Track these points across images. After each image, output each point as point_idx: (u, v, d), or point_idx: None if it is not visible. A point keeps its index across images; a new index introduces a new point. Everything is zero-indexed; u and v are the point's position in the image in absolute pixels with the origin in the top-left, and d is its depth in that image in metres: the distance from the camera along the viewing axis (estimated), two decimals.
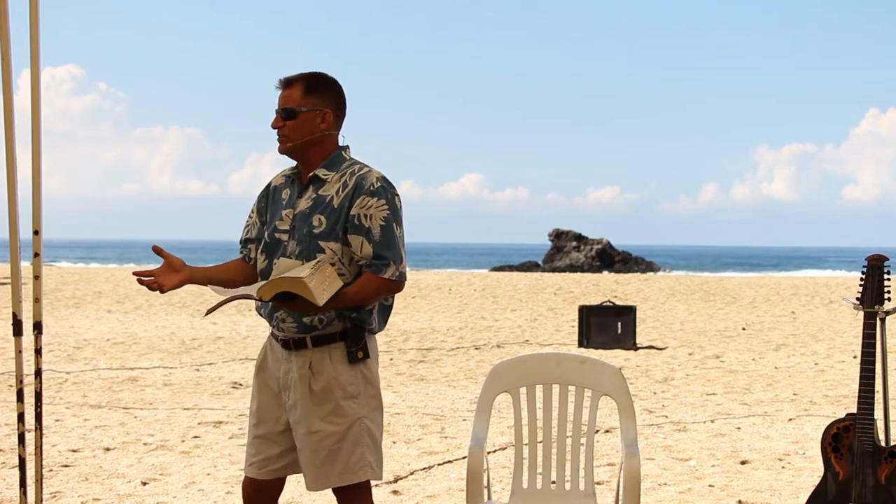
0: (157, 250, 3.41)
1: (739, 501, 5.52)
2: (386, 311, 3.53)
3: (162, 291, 3.36)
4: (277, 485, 3.56)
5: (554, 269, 43.35)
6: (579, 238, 48.02)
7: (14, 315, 4.04)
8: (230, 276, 3.56)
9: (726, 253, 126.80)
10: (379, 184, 3.38)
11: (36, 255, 4.06)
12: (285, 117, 3.41)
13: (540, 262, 47.83)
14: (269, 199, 3.56)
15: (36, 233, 4.06)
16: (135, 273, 3.41)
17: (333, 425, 3.39)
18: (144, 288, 24.15)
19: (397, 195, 3.43)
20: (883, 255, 4.17)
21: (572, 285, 25.14)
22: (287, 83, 3.45)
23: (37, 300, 4.09)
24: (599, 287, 24.41)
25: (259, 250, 3.53)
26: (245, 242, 3.60)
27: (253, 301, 3.39)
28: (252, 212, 3.60)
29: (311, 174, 3.45)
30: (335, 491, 3.50)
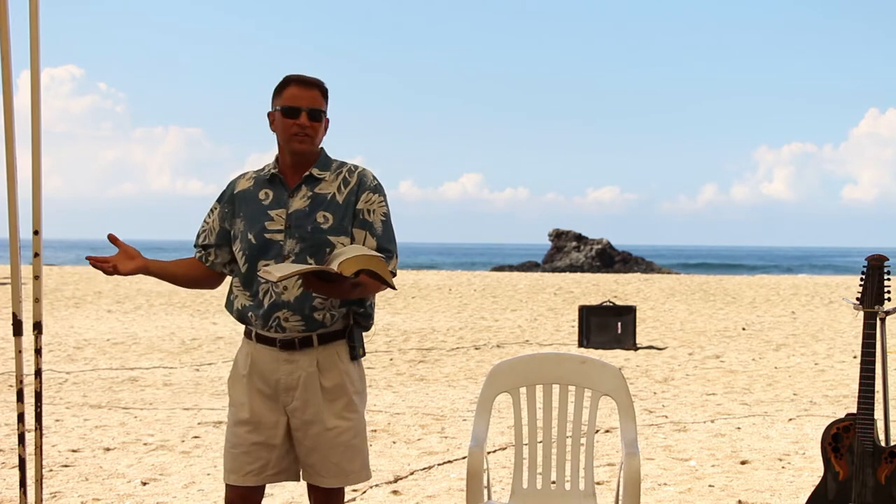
0: (113, 239, 3.47)
1: (739, 501, 5.52)
2: (373, 309, 3.61)
3: (119, 274, 3.43)
4: (262, 492, 3.54)
5: (554, 269, 43.34)
6: (579, 238, 47.99)
7: (14, 315, 4.04)
8: (183, 272, 3.63)
9: (726, 253, 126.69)
10: (376, 181, 3.52)
11: (36, 255, 4.06)
12: (313, 118, 3.43)
13: (540, 262, 47.82)
14: (235, 205, 3.52)
15: (36, 233, 4.06)
16: (88, 258, 3.44)
17: (347, 421, 3.44)
18: (144, 288, 24.08)
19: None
20: (883, 255, 4.17)
21: (572, 285, 25.14)
22: (313, 84, 3.46)
23: (37, 300, 4.09)
24: (599, 287, 24.41)
25: (240, 253, 3.48)
26: (203, 247, 3.59)
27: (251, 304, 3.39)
28: (209, 218, 3.58)
29: (305, 174, 3.47)
30: (322, 491, 3.49)
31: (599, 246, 46.99)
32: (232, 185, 3.57)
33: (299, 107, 3.41)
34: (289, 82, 3.46)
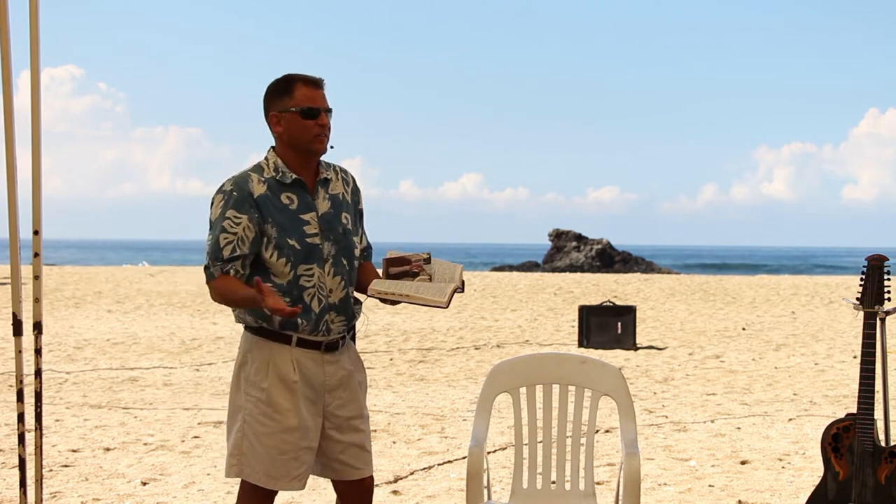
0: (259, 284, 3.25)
1: (739, 501, 5.52)
2: None
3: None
4: None
5: (554, 269, 43.32)
6: (579, 238, 47.97)
7: (14, 315, 4.04)
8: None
9: (726, 253, 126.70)
10: None
11: (36, 255, 4.06)
12: (329, 117, 3.45)
13: (540, 262, 47.80)
14: (261, 210, 3.36)
15: (36, 233, 4.06)
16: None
17: (367, 410, 3.65)
18: (144, 288, 24.07)
19: None
20: (883, 255, 4.17)
21: (572, 285, 25.13)
22: (321, 83, 3.45)
23: (37, 300, 4.09)
24: (599, 287, 24.41)
25: (282, 260, 3.37)
26: (231, 259, 3.36)
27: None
28: (233, 228, 3.34)
29: (321, 176, 3.48)
30: (357, 483, 3.59)
31: (599, 246, 46.98)
32: (243, 189, 3.37)
33: (319, 107, 3.40)
34: (295, 82, 3.41)
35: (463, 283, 3.44)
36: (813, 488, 4.20)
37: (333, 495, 5.47)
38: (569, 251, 47.26)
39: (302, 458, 3.44)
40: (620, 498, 3.89)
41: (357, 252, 3.55)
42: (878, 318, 4.13)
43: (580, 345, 13.13)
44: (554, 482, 4.13)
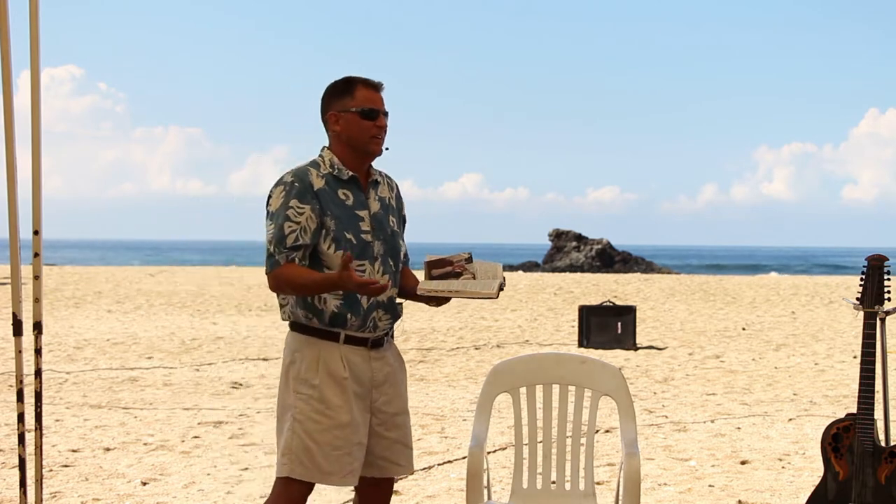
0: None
1: (739, 501, 5.51)
2: None
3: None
4: None
5: (554, 269, 43.31)
6: (579, 238, 47.97)
7: (14, 315, 4.04)
8: None
9: (726, 253, 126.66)
10: None
11: (36, 255, 4.06)
12: (386, 120, 3.50)
13: (540, 262, 47.80)
14: (321, 202, 3.39)
15: (36, 233, 4.06)
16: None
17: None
18: (144, 288, 24.05)
19: None
20: (883, 255, 4.18)
21: (572, 285, 25.14)
22: (380, 86, 3.50)
23: (37, 300, 4.09)
24: (599, 287, 24.41)
25: (340, 253, 3.37)
26: (295, 248, 3.36)
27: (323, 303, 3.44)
28: (297, 217, 3.36)
29: (372, 178, 3.54)
30: (388, 481, 3.63)
31: (599, 246, 46.98)
32: (304, 181, 3.40)
33: (378, 109, 3.46)
34: (356, 83, 3.47)
35: (504, 278, 3.49)
36: (813, 488, 4.20)
37: (334, 495, 5.48)
38: (569, 251, 47.26)
39: (354, 453, 3.45)
40: (620, 498, 3.89)
41: (402, 255, 3.62)
42: (878, 318, 4.13)
43: (580, 345, 13.13)
44: (554, 482, 4.13)
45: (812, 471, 6.13)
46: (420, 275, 3.62)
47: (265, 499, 5.51)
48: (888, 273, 4.17)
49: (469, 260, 3.50)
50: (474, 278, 3.46)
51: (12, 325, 4.05)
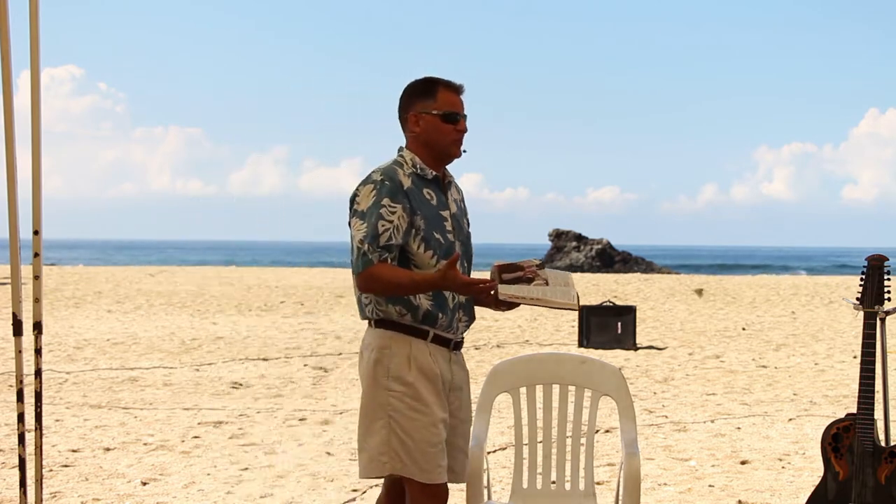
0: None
1: (739, 501, 5.51)
2: None
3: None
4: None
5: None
6: (579, 238, 47.97)
7: (14, 315, 4.04)
8: None
9: (726, 253, 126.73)
10: None
11: (36, 255, 4.06)
12: (465, 123, 3.50)
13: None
14: (411, 201, 3.37)
15: (36, 233, 4.06)
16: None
17: None
18: (144, 288, 24.03)
19: None
20: (883, 255, 4.17)
21: None
22: (461, 90, 3.49)
23: (37, 300, 4.09)
24: (599, 287, 24.41)
25: (429, 252, 3.38)
26: (388, 247, 3.32)
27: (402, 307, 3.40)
28: (390, 216, 3.32)
29: (448, 179, 3.55)
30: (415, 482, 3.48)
31: (599, 246, 46.98)
32: (394, 180, 3.37)
33: (459, 113, 3.45)
34: (437, 85, 3.45)
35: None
36: (813, 488, 4.19)
37: (334, 495, 5.48)
38: (569, 251, 47.26)
39: (445, 450, 3.43)
40: (620, 498, 3.89)
41: (472, 256, 3.61)
42: (878, 318, 4.13)
43: (580, 345, 13.13)
44: (554, 482, 4.13)
45: (812, 471, 6.13)
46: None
47: (265, 499, 5.53)
48: (888, 273, 4.17)
49: (540, 266, 3.43)
50: (547, 285, 3.38)
51: (12, 325, 4.05)
